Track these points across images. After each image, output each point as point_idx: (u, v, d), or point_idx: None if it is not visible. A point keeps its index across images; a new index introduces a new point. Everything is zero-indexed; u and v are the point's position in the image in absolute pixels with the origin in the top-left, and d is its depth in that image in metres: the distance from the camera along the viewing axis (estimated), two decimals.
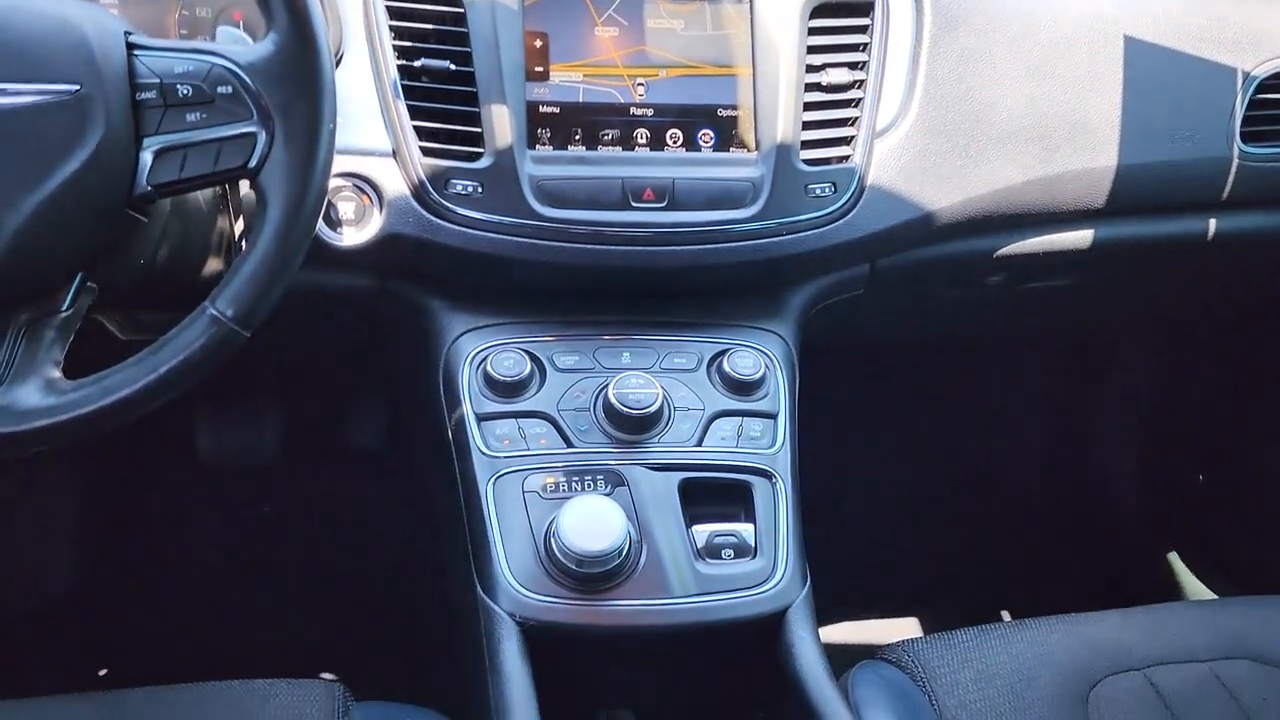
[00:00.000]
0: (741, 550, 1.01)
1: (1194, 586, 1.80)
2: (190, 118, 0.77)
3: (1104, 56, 1.20)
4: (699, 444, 1.05)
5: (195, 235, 0.96)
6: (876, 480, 1.92)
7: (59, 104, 0.74)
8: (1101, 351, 1.96)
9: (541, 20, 1.07)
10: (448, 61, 1.04)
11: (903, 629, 1.81)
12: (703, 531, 1.01)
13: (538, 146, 1.06)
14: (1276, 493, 1.70)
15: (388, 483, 1.76)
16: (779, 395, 1.10)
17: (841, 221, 1.11)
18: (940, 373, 1.93)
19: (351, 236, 1.05)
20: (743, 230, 1.08)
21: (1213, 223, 1.29)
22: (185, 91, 0.77)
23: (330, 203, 1.03)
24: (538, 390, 1.06)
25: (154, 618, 1.66)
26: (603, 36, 1.09)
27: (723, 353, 1.10)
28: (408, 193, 1.04)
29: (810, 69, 1.10)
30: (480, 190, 1.04)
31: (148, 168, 0.77)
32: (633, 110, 1.09)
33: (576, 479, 1.01)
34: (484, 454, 1.02)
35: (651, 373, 1.07)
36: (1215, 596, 1.75)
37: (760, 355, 1.11)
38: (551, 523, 0.96)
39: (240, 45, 0.80)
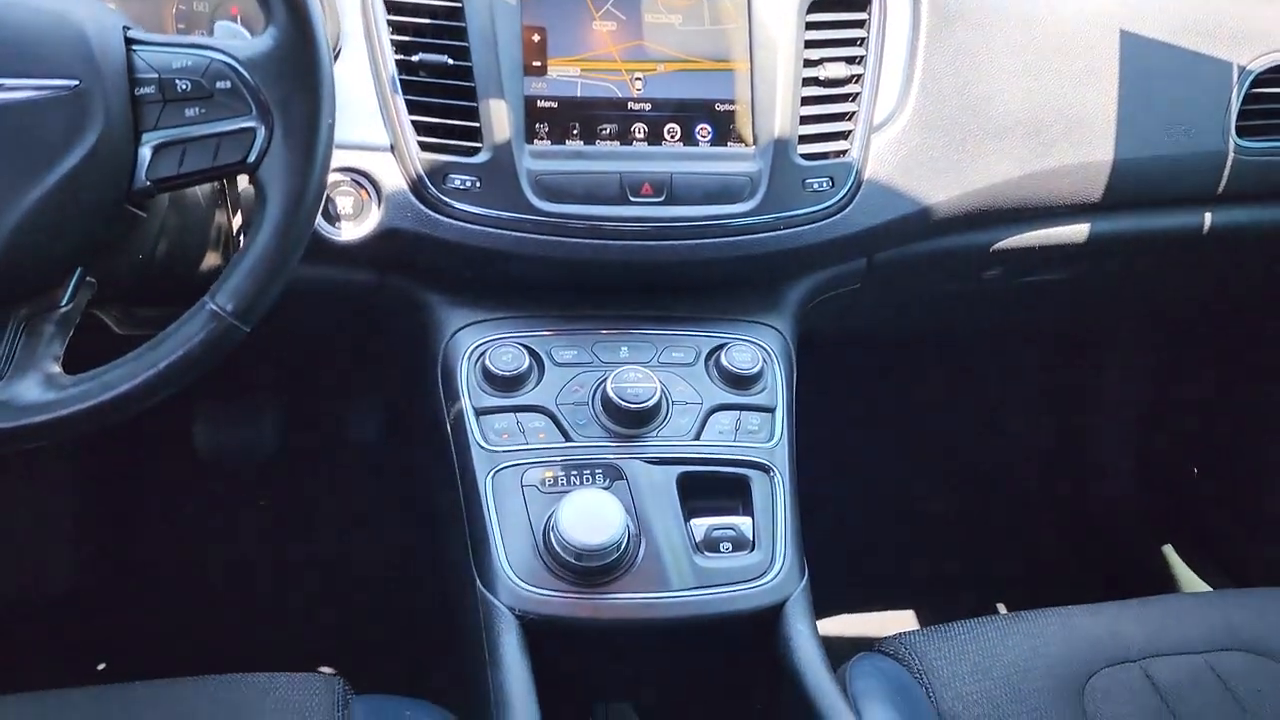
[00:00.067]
0: (740, 543, 1.01)
1: (1190, 580, 1.80)
2: (189, 113, 0.77)
3: (1100, 51, 1.20)
4: (697, 438, 1.05)
5: (194, 230, 0.96)
6: (874, 474, 1.92)
7: (58, 99, 0.74)
8: (1098, 346, 1.96)
9: (539, 15, 1.07)
10: (445, 56, 1.04)
11: (900, 621, 1.81)
12: (701, 525, 1.01)
13: (536, 141, 1.07)
14: (1272, 487, 1.70)
15: (386, 478, 1.76)
16: (777, 389, 1.10)
17: (839, 216, 1.11)
18: (938, 367, 1.93)
19: (350, 231, 1.05)
20: (740, 225, 1.08)
21: (1208, 217, 1.29)
22: (184, 86, 0.77)
23: (329, 197, 1.03)
24: (536, 384, 1.06)
25: (154, 614, 1.66)
26: (600, 31, 1.09)
27: (720, 347, 1.10)
28: (406, 187, 1.04)
29: (808, 63, 1.10)
30: (478, 185, 1.04)
31: (146, 163, 0.77)
32: (630, 105, 1.09)
33: (575, 473, 1.01)
34: (483, 448, 1.02)
35: (649, 367, 1.07)
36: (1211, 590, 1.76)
37: (758, 349, 1.11)
38: (550, 517, 0.96)
39: (238, 40, 0.80)
